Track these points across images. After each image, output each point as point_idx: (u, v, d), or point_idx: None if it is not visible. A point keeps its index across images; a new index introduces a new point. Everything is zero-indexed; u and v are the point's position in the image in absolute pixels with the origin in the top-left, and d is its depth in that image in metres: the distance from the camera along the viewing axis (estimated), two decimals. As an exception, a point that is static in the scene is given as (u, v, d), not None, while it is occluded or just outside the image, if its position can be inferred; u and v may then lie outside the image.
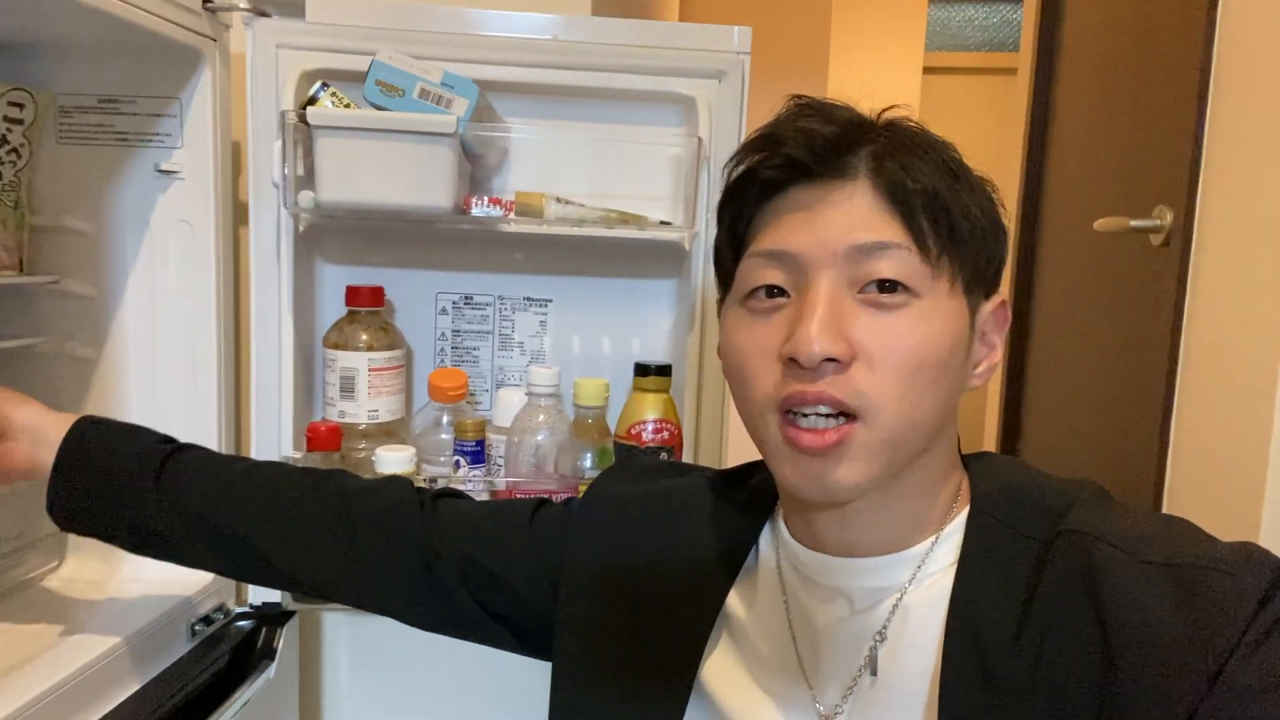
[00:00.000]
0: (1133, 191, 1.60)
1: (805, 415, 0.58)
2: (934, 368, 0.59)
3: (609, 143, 1.10)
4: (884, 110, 0.65)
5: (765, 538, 0.72)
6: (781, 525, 0.70)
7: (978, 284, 0.63)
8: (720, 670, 0.70)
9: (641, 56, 1.08)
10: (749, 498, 0.75)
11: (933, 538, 0.64)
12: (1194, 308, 1.32)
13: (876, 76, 3.34)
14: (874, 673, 0.63)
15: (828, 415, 0.58)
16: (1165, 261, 1.43)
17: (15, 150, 1.03)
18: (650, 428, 1.02)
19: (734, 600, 0.71)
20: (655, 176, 1.12)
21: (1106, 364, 1.70)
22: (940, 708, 0.59)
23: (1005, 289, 0.68)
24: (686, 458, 1.08)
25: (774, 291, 0.61)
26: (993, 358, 0.66)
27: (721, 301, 0.68)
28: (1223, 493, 1.18)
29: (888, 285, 0.58)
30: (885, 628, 0.63)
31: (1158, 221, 1.46)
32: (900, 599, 0.63)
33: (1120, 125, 1.71)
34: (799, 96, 0.65)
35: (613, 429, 1.06)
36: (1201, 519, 0.61)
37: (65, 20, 0.95)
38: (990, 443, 2.30)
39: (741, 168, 0.64)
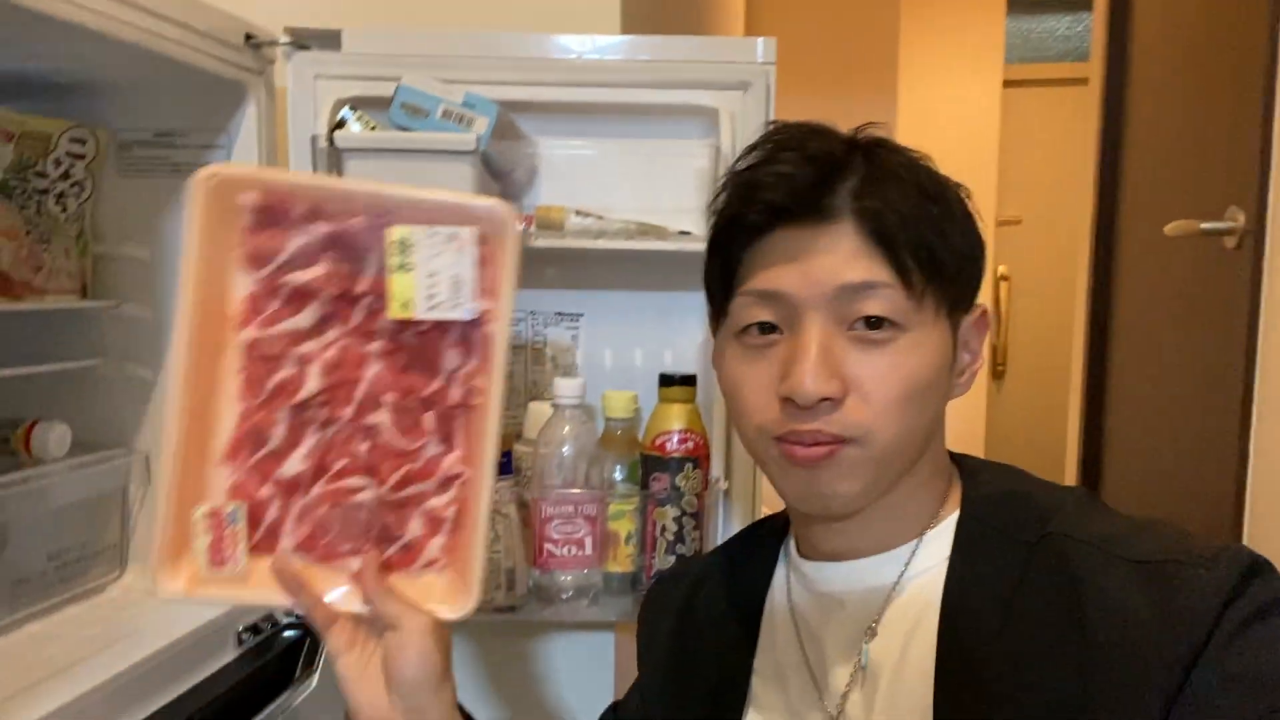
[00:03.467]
0: (1203, 194, 1.52)
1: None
2: (922, 394, 0.62)
3: (628, 149, 1.11)
4: (860, 128, 0.66)
5: (779, 566, 0.76)
6: (792, 547, 0.74)
7: (960, 303, 0.66)
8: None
9: (666, 71, 1.09)
10: (763, 535, 0.79)
11: (918, 538, 0.67)
12: (1270, 311, 1.24)
13: (952, 92, 3.27)
14: (863, 666, 0.66)
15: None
16: (1239, 264, 1.36)
17: (79, 184, 1.11)
18: (675, 438, 1.02)
19: (760, 657, 0.74)
20: (681, 189, 1.13)
21: (1185, 374, 1.61)
22: (935, 701, 0.61)
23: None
24: (717, 467, 1.07)
25: (766, 328, 0.64)
26: (975, 364, 0.69)
27: (714, 326, 0.72)
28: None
29: (874, 321, 0.61)
30: (875, 624, 0.66)
31: (1230, 223, 1.39)
32: (889, 596, 0.66)
33: (1190, 127, 1.64)
34: (773, 124, 0.68)
35: (642, 441, 1.06)
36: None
37: (122, 61, 1.02)
38: (1071, 464, 2.20)
39: (727, 212, 0.67)
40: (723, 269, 0.68)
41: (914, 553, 0.66)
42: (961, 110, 3.27)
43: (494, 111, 1.00)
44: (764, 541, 0.78)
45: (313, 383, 0.67)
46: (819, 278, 0.61)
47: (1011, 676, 0.58)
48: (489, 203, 0.64)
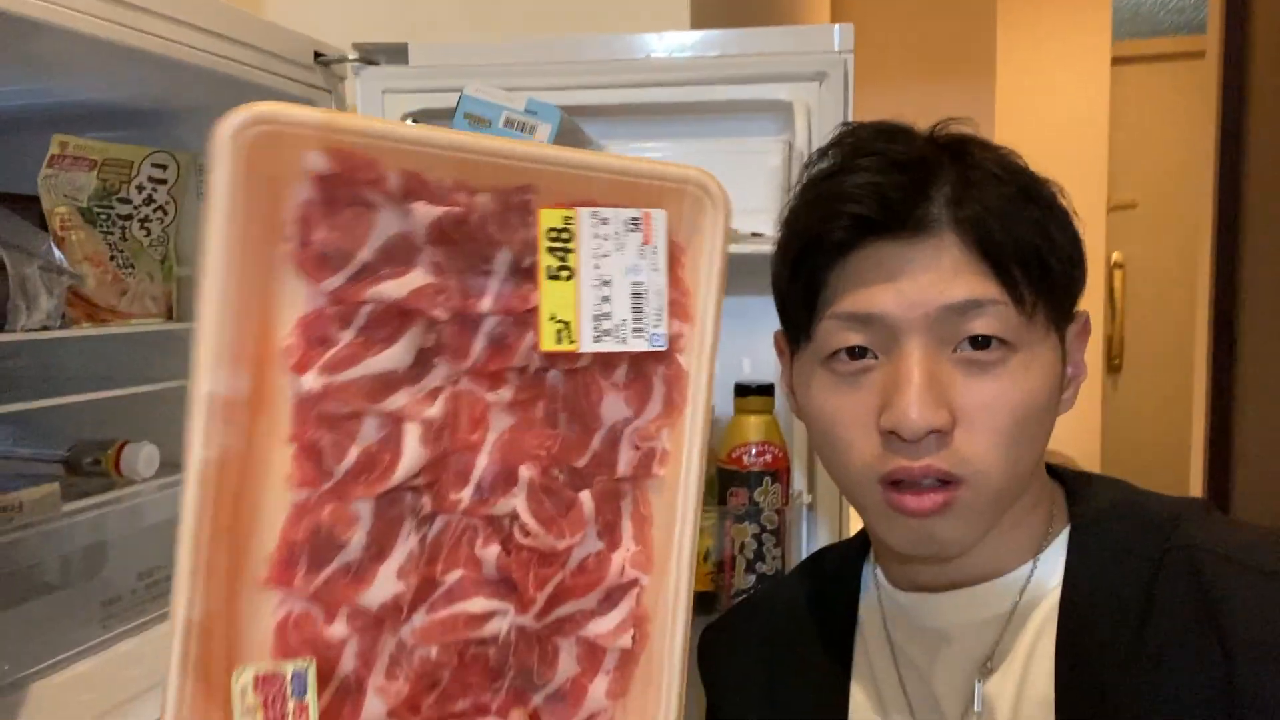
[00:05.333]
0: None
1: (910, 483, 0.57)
2: (1036, 420, 0.57)
3: (697, 148, 1.07)
4: (940, 125, 0.61)
5: (865, 595, 0.70)
6: (880, 574, 0.68)
7: (1067, 314, 0.60)
8: None
9: (736, 66, 1.05)
10: (838, 562, 0.74)
11: (1031, 562, 0.61)
12: None
13: (1055, 72, 3.10)
14: (978, 711, 0.60)
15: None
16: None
17: (161, 208, 1.13)
18: (753, 451, 0.97)
19: (855, 691, 0.68)
20: (756, 189, 1.08)
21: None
22: None
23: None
24: (800, 479, 1.02)
25: (856, 352, 0.58)
26: (1079, 376, 0.63)
27: (790, 348, 0.65)
28: None
29: (981, 340, 0.55)
30: (990, 659, 0.61)
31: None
32: (1005, 626, 0.61)
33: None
34: (844, 126, 0.63)
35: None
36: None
37: (199, 87, 1.03)
38: (1197, 467, 2.05)
39: (806, 229, 0.61)
40: (806, 290, 0.61)
41: (1029, 578, 0.61)
42: (1067, 91, 3.10)
43: (557, 117, 0.97)
44: (837, 577, 0.72)
45: (410, 457, 0.45)
46: (919, 298, 0.55)
47: (1144, 701, 0.54)
48: (691, 172, 0.48)
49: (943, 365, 0.55)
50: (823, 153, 0.61)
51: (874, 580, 0.69)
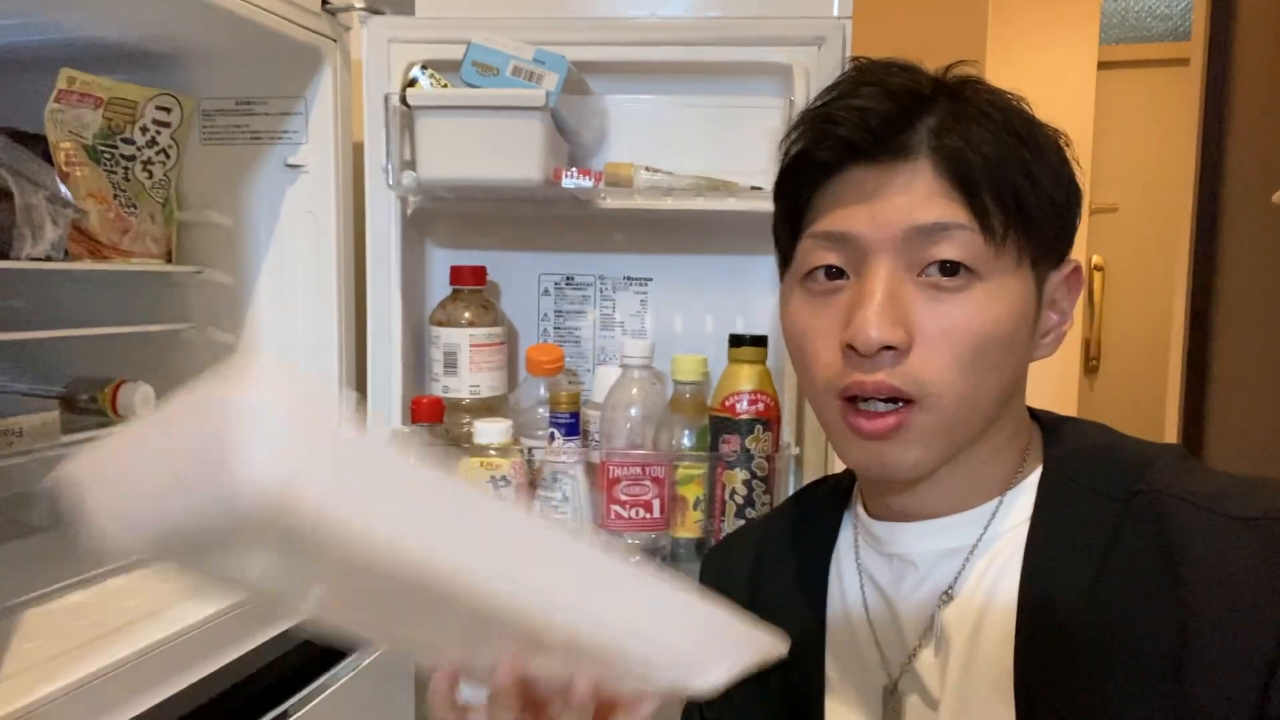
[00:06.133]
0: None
1: (865, 400, 0.58)
2: (996, 350, 0.57)
3: (699, 109, 1.09)
4: (949, 67, 0.62)
5: (845, 527, 0.72)
6: (859, 507, 0.70)
7: (1048, 255, 0.60)
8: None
9: (739, 28, 1.07)
10: (823, 495, 0.75)
11: (999, 497, 0.63)
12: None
13: (1044, 73, 3.15)
14: (936, 632, 0.62)
15: (886, 400, 0.57)
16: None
17: (164, 151, 1.14)
18: (745, 399, 0.99)
19: (830, 612, 0.70)
20: (754, 151, 1.10)
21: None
22: (1016, 664, 0.57)
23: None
24: (788, 432, 1.04)
25: (833, 272, 0.60)
26: (1063, 325, 0.63)
27: (781, 273, 0.67)
28: None
29: (949, 267, 0.56)
30: (951, 587, 0.62)
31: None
32: (968, 558, 0.62)
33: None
34: (858, 61, 0.64)
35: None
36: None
37: (209, 27, 1.04)
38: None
39: (796, 148, 0.62)
40: (789, 209, 0.63)
41: (994, 513, 0.62)
42: (1054, 92, 3.15)
43: (564, 67, 0.99)
44: (825, 501, 0.74)
45: None
46: (889, 218, 0.57)
47: (1100, 641, 0.54)
48: None
49: (906, 287, 0.57)
50: (833, 85, 0.62)
51: (854, 508, 0.71)
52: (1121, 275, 3.56)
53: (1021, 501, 0.62)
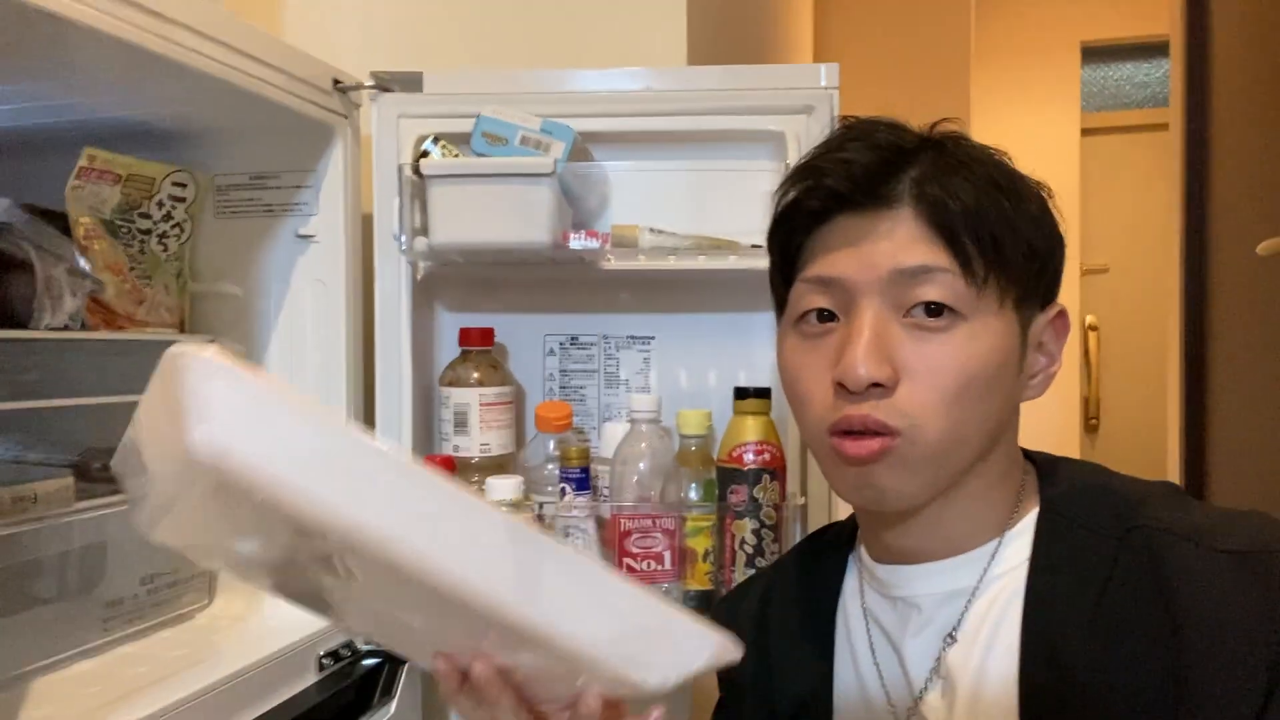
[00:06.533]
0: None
1: (853, 433, 0.60)
2: (980, 385, 0.60)
3: (697, 174, 1.13)
4: (935, 124, 0.66)
5: (850, 572, 0.74)
6: (862, 549, 0.72)
7: (1030, 297, 0.63)
8: None
9: (732, 99, 1.12)
10: (828, 542, 0.77)
11: (997, 539, 0.64)
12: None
13: (1028, 141, 3.24)
14: (942, 676, 0.63)
15: (875, 434, 0.59)
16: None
17: (179, 225, 1.17)
18: (751, 450, 1.00)
19: (837, 656, 0.71)
20: (749, 212, 1.13)
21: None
22: (1021, 705, 0.58)
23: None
24: (793, 481, 1.05)
25: (824, 315, 0.63)
26: (1050, 367, 0.66)
27: (778, 319, 0.71)
28: None
29: (933, 308, 0.59)
30: (955, 629, 0.63)
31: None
32: (970, 600, 0.64)
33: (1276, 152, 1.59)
34: (846, 119, 0.68)
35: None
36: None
37: (224, 107, 1.09)
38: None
39: (789, 198, 0.66)
40: (782, 256, 0.67)
41: (993, 555, 0.64)
42: (1039, 159, 3.19)
43: (570, 135, 1.03)
44: (830, 547, 0.75)
45: None
46: (874, 261, 0.60)
47: (1101, 678, 0.56)
48: None
49: (892, 327, 0.60)
50: (826, 140, 0.66)
51: (857, 552, 0.73)
52: (1116, 334, 3.60)
53: (1020, 542, 0.64)
